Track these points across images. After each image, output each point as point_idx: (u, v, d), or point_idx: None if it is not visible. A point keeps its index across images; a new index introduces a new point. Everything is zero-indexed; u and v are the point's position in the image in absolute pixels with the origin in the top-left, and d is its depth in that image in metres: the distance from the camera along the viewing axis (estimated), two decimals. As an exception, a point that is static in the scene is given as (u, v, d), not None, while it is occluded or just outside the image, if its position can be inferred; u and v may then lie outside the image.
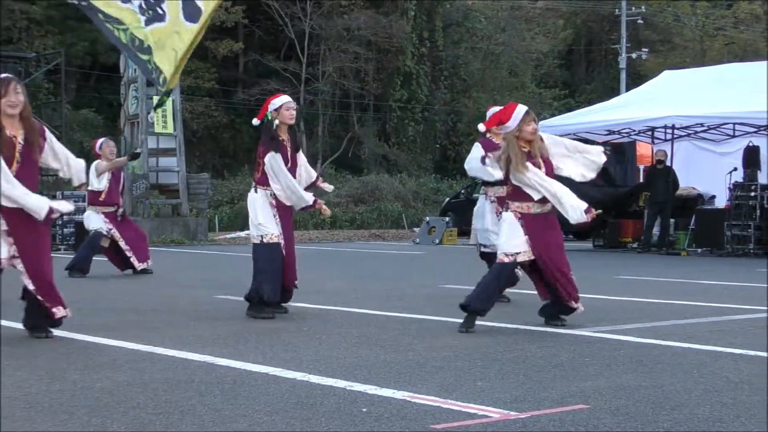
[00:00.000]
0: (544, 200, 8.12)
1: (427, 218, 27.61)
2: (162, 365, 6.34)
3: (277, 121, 8.96)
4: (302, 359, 6.55)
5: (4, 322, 8.36)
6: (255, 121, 9.28)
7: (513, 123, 8.11)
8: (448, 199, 32.21)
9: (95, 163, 13.82)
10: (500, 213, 9.72)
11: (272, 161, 8.93)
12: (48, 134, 7.70)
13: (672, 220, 20.72)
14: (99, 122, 35.82)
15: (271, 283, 8.94)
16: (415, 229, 29.91)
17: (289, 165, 9.02)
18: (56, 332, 7.78)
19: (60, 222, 20.82)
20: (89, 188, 13.61)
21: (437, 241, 25.06)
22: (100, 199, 13.80)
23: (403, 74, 41.93)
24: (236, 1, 39.79)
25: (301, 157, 9.34)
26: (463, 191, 31.19)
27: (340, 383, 5.67)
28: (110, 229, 13.78)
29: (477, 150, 10.16)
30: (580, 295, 8.35)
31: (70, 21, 37.28)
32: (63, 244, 20.59)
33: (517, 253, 8.06)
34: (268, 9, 39.90)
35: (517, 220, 8.10)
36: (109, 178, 13.77)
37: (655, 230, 20.78)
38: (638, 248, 20.95)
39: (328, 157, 40.62)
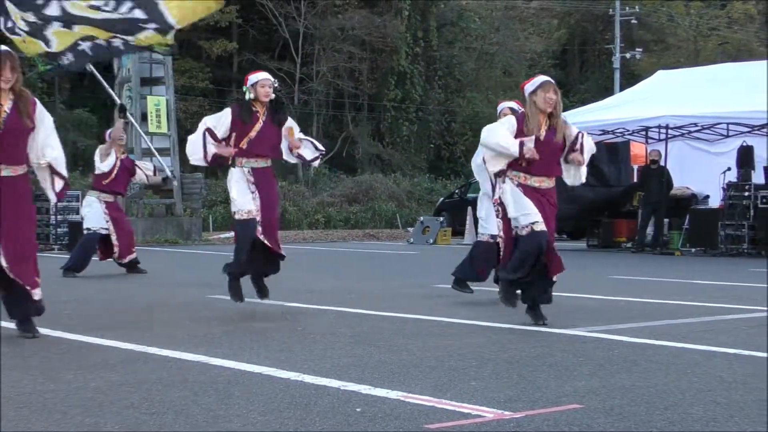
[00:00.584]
0: (541, 173, 8.17)
1: (422, 218, 27.62)
2: (155, 365, 6.33)
3: (252, 95, 8.98)
4: (296, 359, 6.54)
5: (-2, 322, 8.36)
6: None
7: (530, 87, 8.23)
8: (442, 198, 32.25)
9: (99, 147, 13.80)
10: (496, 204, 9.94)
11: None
12: (39, 110, 7.61)
13: (666, 220, 20.75)
14: (93, 122, 35.76)
15: (238, 258, 8.98)
16: (409, 228, 29.94)
17: (255, 135, 8.92)
18: (50, 332, 7.77)
19: (54, 222, 20.81)
20: (94, 172, 13.65)
21: (431, 240, 25.07)
22: (104, 182, 13.58)
23: (397, 74, 41.93)
24: (230, 0, 39.79)
25: (290, 129, 9.20)
26: (457, 191, 31.22)
27: (334, 383, 5.66)
28: (108, 221, 13.63)
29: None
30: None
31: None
32: (57, 244, 20.56)
33: (534, 222, 8.05)
34: (262, 8, 39.90)
35: (517, 188, 8.16)
36: (117, 165, 13.58)
37: (649, 230, 20.81)
38: (632, 248, 20.98)
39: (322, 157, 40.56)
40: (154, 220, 24.91)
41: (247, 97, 9.00)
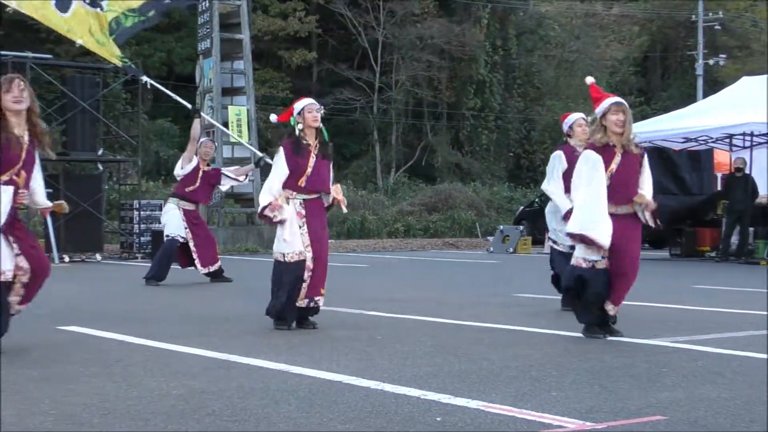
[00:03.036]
0: (622, 201, 7.98)
1: (501, 227, 27.51)
2: (237, 373, 6.38)
3: (300, 125, 8.70)
4: (376, 368, 6.55)
5: (78, 329, 8.49)
6: (272, 118, 9.17)
7: (599, 110, 8.05)
8: (521, 207, 32.08)
9: (183, 155, 13.88)
10: None
11: (276, 154, 8.73)
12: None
13: (751, 229, 20.41)
14: (175, 132, 36.22)
15: (287, 302, 8.69)
16: (488, 237, 29.83)
17: (311, 172, 8.67)
18: (133, 339, 7.88)
19: (137, 231, 21.10)
20: (176, 174, 13.81)
21: (511, 249, 24.95)
22: (187, 190, 13.60)
23: (476, 82, 41.82)
24: (310, 11, 40.08)
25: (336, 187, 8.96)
26: (537, 200, 31.01)
27: (414, 392, 5.66)
28: (186, 229, 13.72)
29: (558, 161, 10.09)
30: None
31: (147, 32, 37.76)
32: (140, 253, 20.83)
33: (595, 261, 7.92)
34: (342, 18, 40.10)
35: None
36: (200, 174, 13.63)
37: (734, 239, 20.49)
38: (716, 257, 20.66)
39: (402, 166, 40.64)
40: (235, 228, 25.13)
41: (296, 128, 8.72)
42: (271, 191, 8.66)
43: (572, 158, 9.88)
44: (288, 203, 8.69)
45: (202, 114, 13.78)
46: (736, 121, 20.25)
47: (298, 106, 8.83)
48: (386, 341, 7.92)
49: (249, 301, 11.51)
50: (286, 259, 8.65)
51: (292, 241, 8.64)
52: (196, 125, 13.85)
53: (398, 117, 41.40)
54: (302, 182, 8.69)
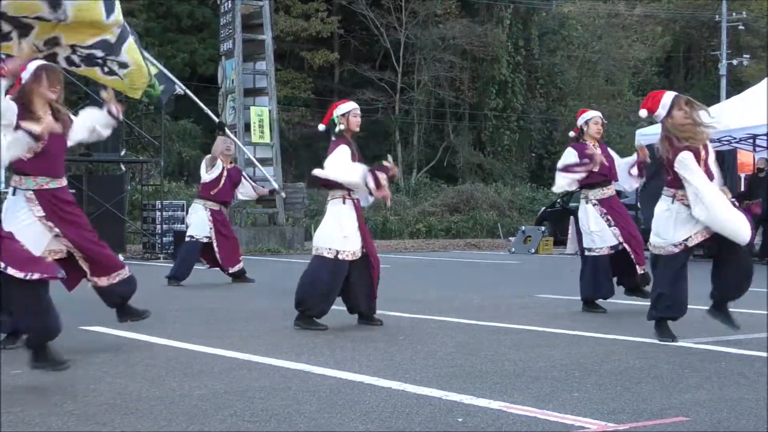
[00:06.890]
0: None
1: (523, 227, 27.45)
2: (258, 373, 6.39)
3: (342, 127, 8.67)
4: (398, 368, 6.55)
5: (101, 329, 8.52)
6: (321, 127, 8.98)
7: (662, 111, 7.77)
8: (543, 208, 32.01)
9: (205, 157, 14.02)
10: (603, 214, 9.88)
11: (339, 148, 8.59)
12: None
13: (775, 230, 20.30)
14: (197, 132, 36.29)
15: (328, 302, 8.81)
16: (510, 238, 29.78)
17: None
18: (155, 340, 7.91)
19: (159, 231, 21.16)
20: (200, 181, 13.94)
21: (533, 250, 24.90)
22: (211, 192, 13.69)
23: (498, 83, 41.75)
24: (332, 11, 40.12)
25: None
26: (559, 200, 30.95)
27: (436, 392, 5.65)
28: (211, 229, 13.76)
29: (569, 155, 10.14)
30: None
31: (169, 33, 37.91)
32: (162, 253, 20.88)
33: (686, 239, 8.27)
34: (364, 19, 40.12)
35: (684, 210, 8.14)
36: (223, 175, 13.67)
37: (757, 240, 20.37)
38: (739, 258, 20.53)
39: (423, 166, 40.62)
40: (257, 229, 25.17)
41: (337, 129, 8.70)
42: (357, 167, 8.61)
43: (582, 153, 9.94)
44: (345, 203, 8.76)
45: (227, 131, 13.90)
46: (760, 122, 20.14)
47: (342, 107, 8.81)
48: (408, 342, 7.92)
49: (270, 301, 11.53)
50: (341, 256, 8.69)
51: (352, 238, 8.71)
52: (219, 142, 13.99)
53: (420, 117, 41.37)
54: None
